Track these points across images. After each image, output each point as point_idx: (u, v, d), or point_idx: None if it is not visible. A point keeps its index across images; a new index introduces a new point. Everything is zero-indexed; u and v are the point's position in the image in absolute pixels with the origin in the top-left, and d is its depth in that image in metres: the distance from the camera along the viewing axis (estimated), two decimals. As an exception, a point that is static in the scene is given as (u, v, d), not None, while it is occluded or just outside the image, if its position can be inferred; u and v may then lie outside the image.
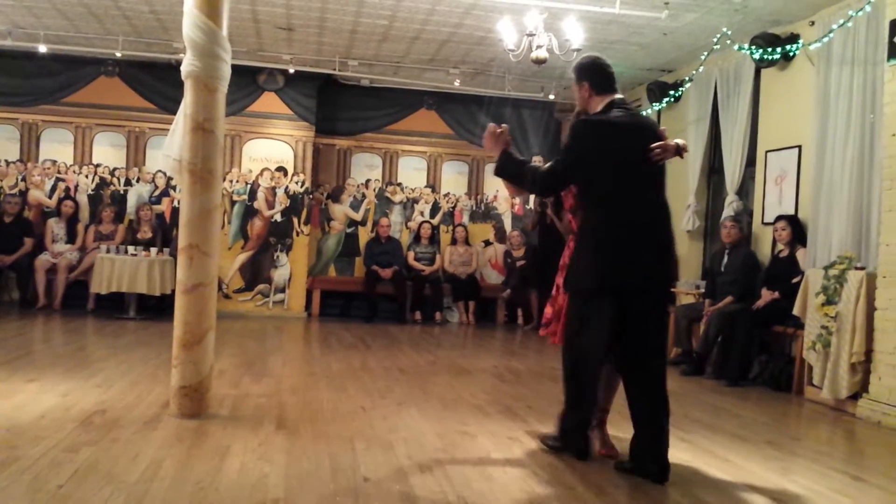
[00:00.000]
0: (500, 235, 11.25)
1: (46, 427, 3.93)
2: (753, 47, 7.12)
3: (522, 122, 11.20)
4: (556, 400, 5.28)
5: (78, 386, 4.99)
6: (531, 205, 10.94)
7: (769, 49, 7.03)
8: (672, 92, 8.81)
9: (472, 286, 10.57)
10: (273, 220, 10.48)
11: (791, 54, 7.00)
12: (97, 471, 3.28)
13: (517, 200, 11.34)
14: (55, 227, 9.75)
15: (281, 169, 10.51)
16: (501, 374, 6.43)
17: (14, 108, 10.09)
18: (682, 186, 8.74)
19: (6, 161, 10.12)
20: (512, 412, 4.90)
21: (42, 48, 9.05)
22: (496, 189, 11.39)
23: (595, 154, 3.70)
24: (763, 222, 7.43)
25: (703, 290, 7.61)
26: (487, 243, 11.24)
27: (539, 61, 6.91)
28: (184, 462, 3.50)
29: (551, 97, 10.33)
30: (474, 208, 11.37)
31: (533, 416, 4.81)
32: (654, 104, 9.09)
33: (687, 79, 8.41)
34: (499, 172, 4.02)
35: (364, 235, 10.96)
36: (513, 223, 11.27)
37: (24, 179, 10.08)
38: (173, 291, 4.73)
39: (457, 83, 10.05)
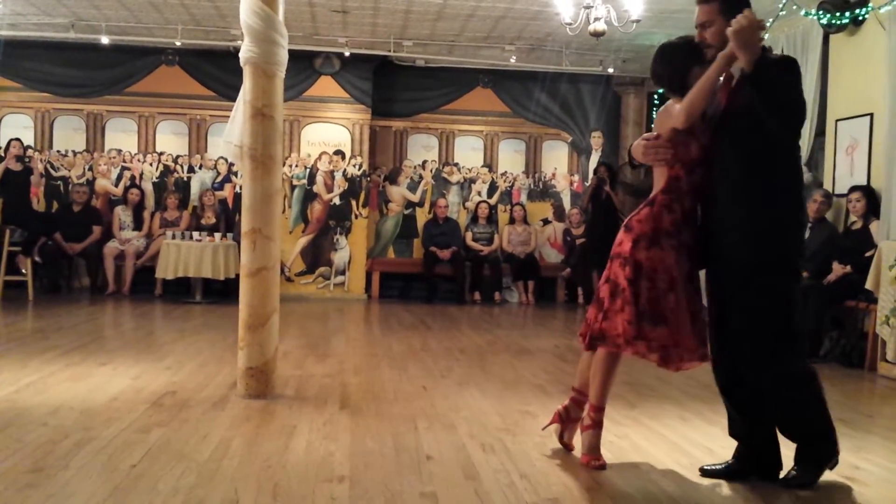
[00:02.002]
0: (559, 213, 11.14)
1: (119, 409, 4.06)
2: (821, 12, 6.86)
3: (580, 98, 11.04)
4: (619, 380, 5.23)
5: (148, 368, 5.14)
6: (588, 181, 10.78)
7: (837, 14, 6.76)
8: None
9: (531, 265, 10.51)
10: (332, 203, 10.58)
11: (860, 18, 6.73)
12: (168, 450, 3.38)
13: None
14: (122, 214, 10.02)
15: (339, 152, 10.59)
16: (562, 354, 6.38)
17: (79, 100, 10.38)
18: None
19: (73, 151, 10.43)
20: (574, 391, 4.85)
21: (104, 39, 9.28)
22: (554, 167, 11.27)
23: None
24: (834, 194, 7.18)
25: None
26: (546, 222, 11.14)
27: (597, 34, 6.79)
28: (252, 441, 3.57)
29: (610, 71, 10.14)
30: (532, 187, 11.28)
31: (630, 392, 4.75)
32: (716, 75, 8.84)
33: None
34: (758, 76, 3.00)
35: (422, 217, 10.98)
36: (571, 201, 11.14)
37: (90, 169, 10.38)
38: (237, 275, 4.82)
39: (513, 60, 9.95)
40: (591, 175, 10.68)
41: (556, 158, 11.38)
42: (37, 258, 9.22)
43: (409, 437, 3.71)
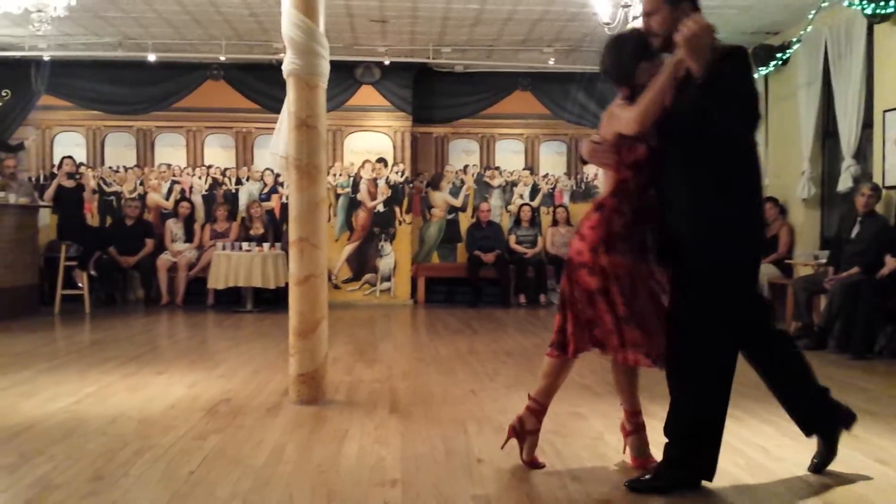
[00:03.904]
0: (603, 214, 11.05)
1: (176, 417, 4.16)
2: (865, 2, 6.71)
3: (621, 98, 10.96)
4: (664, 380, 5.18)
5: (203, 377, 5.25)
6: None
7: (882, 3, 6.61)
8: (779, 55, 8.42)
9: (576, 267, 10.45)
10: (376, 210, 10.67)
11: (907, 6, 6.57)
12: (225, 456, 3.46)
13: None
14: (173, 227, 10.25)
15: (381, 160, 10.69)
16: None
17: (129, 117, 10.65)
18: (795, 153, 8.37)
19: (125, 167, 10.70)
20: (623, 392, 4.82)
21: (151, 57, 9.50)
22: (596, 168, 11.20)
23: None
24: (884, 186, 7.02)
25: (822, 261, 7.27)
26: (590, 222, 11.05)
27: (636, 33, 6.74)
28: (305, 446, 3.63)
29: (650, 69, 10.05)
30: (574, 188, 11.23)
31: (645, 396, 4.70)
32: (760, 69, 8.71)
33: (794, 40, 8.03)
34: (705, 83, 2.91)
35: (465, 221, 11.02)
36: (615, 201, 11.04)
37: (142, 184, 10.64)
38: (286, 284, 4.91)
39: (551, 62, 9.93)
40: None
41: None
42: (92, 272, 9.48)
43: (459, 441, 3.73)
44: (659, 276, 3.18)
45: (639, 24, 6.69)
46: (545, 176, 11.21)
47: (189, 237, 10.27)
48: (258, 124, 10.57)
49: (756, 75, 8.69)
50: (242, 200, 10.66)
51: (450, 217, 11.07)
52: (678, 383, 3.08)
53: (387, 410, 4.35)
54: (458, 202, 11.07)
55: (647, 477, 3.08)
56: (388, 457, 3.47)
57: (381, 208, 10.68)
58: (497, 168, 11.13)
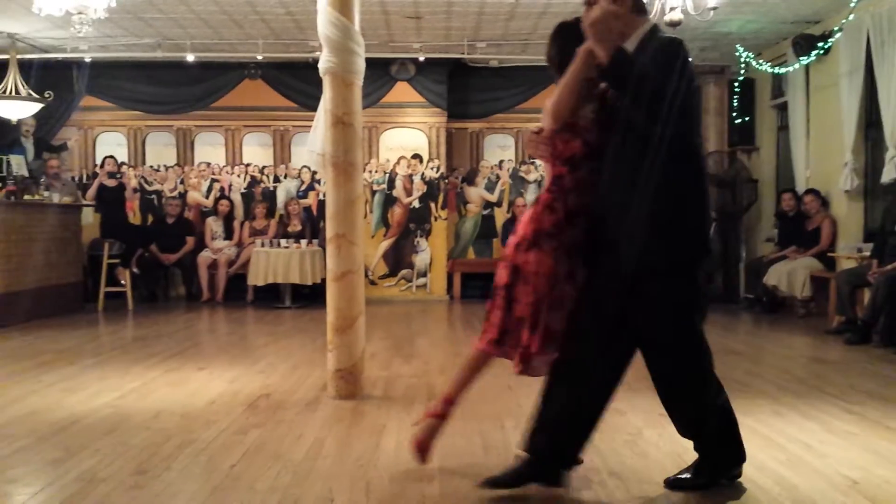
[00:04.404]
0: (641, 208, 10.95)
1: (217, 411, 4.23)
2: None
3: (658, 90, 10.84)
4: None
5: (243, 372, 5.33)
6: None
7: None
8: (820, 44, 8.25)
9: (613, 261, 10.37)
10: (412, 206, 10.70)
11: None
12: (265, 450, 3.50)
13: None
14: (213, 225, 10.39)
15: (416, 156, 10.71)
16: (649, 350, 6.27)
17: (169, 116, 10.81)
18: (837, 143, 8.20)
19: (165, 166, 10.87)
20: (662, 387, 4.77)
21: (190, 57, 9.63)
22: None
23: (697, 88, 2.92)
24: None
25: (865, 254, 7.12)
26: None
27: (673, 24, 6.66)
28: (344, 441, 3.67)
29: (688, 61, 9.93)
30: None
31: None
32: (801, 58, 8.55)
33: (836, 29, 7.85)
34: (613, 71, 2.74)
35: (500, 216, 10.99)
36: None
37: (182, 182, 10.80)
38: (324, 280, 4.95)
39: (587, 55, 9.84)
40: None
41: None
42: (135, 269, 9.66)
43: (496, 436, 3.73)
44: (580, 279, 2.96)
45: (676, 15, 6.62)
46: (581, 170, 11.12)
47: (228, 234, 10.40)
48: (295, 122, 10.65)
49: (797, 65, 8.53)
50: (280, 198, 10.76)
51: (485, 212, 11.05)
52: (694, 381, 2.96)
53: (424, 405, 4.36)
54: (493, 197, 11.05)
55: (686, 475, 3.04)
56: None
57: (416, 204, 10.71)
58: (533, 162, 11.08)
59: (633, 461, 3.35)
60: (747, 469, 3.21)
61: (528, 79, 10.92)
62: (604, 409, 2.96)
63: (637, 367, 5.47)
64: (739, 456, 3.03)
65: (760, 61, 9.41)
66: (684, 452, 3.43)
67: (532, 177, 11.08)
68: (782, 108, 9.62)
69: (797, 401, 4.37)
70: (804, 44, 8.52)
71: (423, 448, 3.17)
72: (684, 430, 3.03)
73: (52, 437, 3.74)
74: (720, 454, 3.01)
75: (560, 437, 2.95)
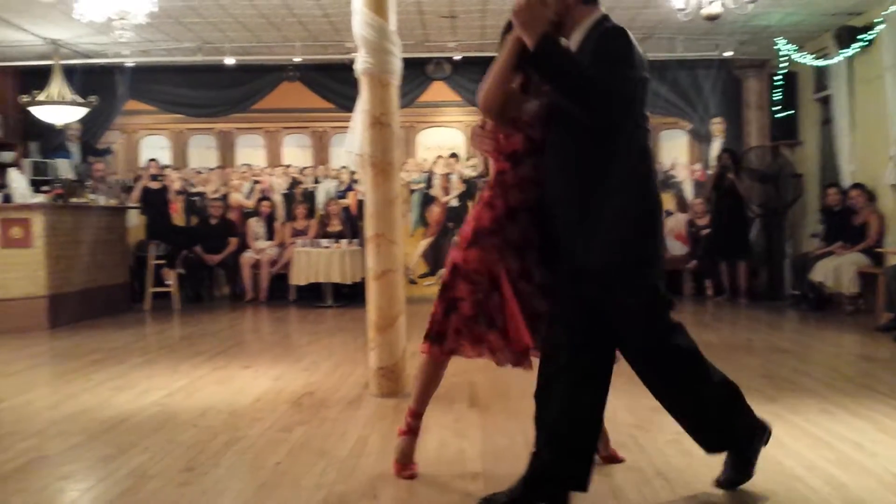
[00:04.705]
0: (681, 204, 10.83)
1: (262, 409, 4.29)
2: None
3: (698, 84, 10.71)
4: (756, 373, 5.06)
5: (287, 370, 5.39)
6: (709, 167, 10.43)
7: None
8: (862, 36, 8.08)
9: (654, 258, 10.25)
10: (449, 205, 10.71)
11: None
12: (309, 448, 3.54)
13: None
14: (255, 225, 10.52)
15: (454, 155, 10.72)
16: (692, 347, 6.19)
17: (210, 120, 10.99)
18: (882, 137, 8.02)
19: (208, 168, 11.03)
20: (706, 385, 4.71)
21: (229, 60, 9.77)
22: (674, 157, 10.98)
23: (642, 79, 2.70)
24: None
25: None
26: (668, 214, 10.83)
27: (712, 17, 6.60)
28: (387, 438, 3.69)
29: (728, 54, 9.79)
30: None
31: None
32: (842, 51, 8.39)
33: (878, 20, 7.68)
34: (540, 59, 2.62)
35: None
36: (695, 190, 10.80)
37: (224, 184, 10.95)
38: (364, 279, 4.98)
39: (625, 51, 9.76)
40: (713, 163, 10.34)
41: (676, 148, 11.08)
42: (180, 270, 9.82)
43: (538, 434, 3.72)
44: (538, 278, 2.89)
45: (715, 9, 6.54)
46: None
47: (270, 235, 10.52)
48: (333, 123, 10.75)
49: (839, 57, 8.36)
50: (320, 198, 10.85)
51: (524, 210, 11.01)
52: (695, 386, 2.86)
53: (465, 404, 4.38)
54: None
55: (728, 474, 2.99)
56: (468, 449, 3.50)
57: (454, 203, 10.71)
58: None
59: (679, 460, 3.32)
60: (796, 468, 3.17)
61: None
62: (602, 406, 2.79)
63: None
64: (755, 426, 2.89)
65: (802, 54, 9.24)
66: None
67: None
68: (826, 102, 9.44)
69: (846, 399, 4.29)
70: (846, 36, 8.35)
71: (405, 468, 3.14)
72: (694, 433, 2.91)
73: (103, 435, 3.83)
74: (735, 433, 2.88)
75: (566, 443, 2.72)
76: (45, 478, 3.21)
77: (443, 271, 2.96)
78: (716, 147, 10.62)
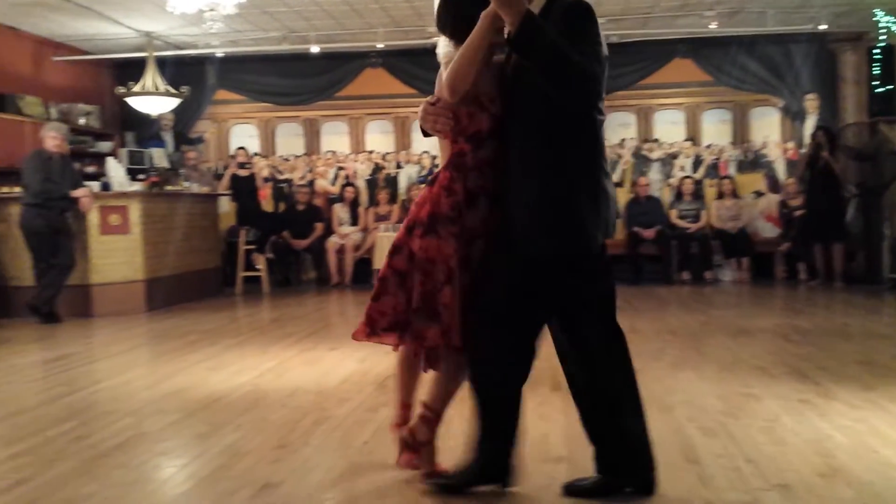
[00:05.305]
0: (773, 185, 10.46)
1: (349, 390, 4.38)
2: None
3: (790, 59, 10.29)
4: (853, 360, 4.87)
5: (372, 352, 5.45)
6: (803, 147, 10.03)
7: None
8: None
9: (743, 241, 9.97)
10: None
11: None
12: (395, 429, 3.60)
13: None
14: (340, 211, 10.69)
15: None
16: (786, 334, 6.01)
17: (296, 107, 11.21)
18: None
19: (294, 155, 11.27)
20: (801, 374, 4.57)
21: (314, 48, 9.94)
22: (765, 135, 10.61)
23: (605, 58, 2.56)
24: None
25: None
26: (759, 194, 10.49)
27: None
28: (469, 420, 3.71)
29: (822, 27, 9.37)
30: (741, 158, 10.67)
31: (827, 377, 4.45)
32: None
33: None
34: (522, 40, 2.42)
35: (622, 196, 10.75)
36: (787, 170, 10.41)
37: (310, 171, 11.18)
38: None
39: (713, 26, 9.47)
40: (807, 141, 9.94)
41: (767, 126, 10.71)
42: (269, 255, 10.10)
43: (624, 419, 3.68)
44: (474, 265, 2.75)
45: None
46: (708, 146, 10.73)
47: (354, 220, 10.69)
48: (415, 109, 10.69)
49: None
50: (402, 183, 10.95)
51: (607, 193, 10.84)
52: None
53: (548, 388, 4.36)
54: (614, 177, 10.83)
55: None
56: (551, 433, 3.49)
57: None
58: (656, 140, 10.78)
59: (770, 449, 3.23)
60: (894, 458, 3.04)
61: (650, 53, 10.63)
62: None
63: (775, 352, 5.26)
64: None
65: (904, 25, 8.76)
66: (826, 440, 3.29)
67: (655, 155, 10.78)
68: (931, 74, 8.94)
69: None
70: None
71: (411, 462, 3.00)
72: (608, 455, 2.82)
73: (199, 413, 3.98)
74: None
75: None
76: (143, 454, 3.36)
77: (394, 259, 2.85)
78: (809, 124, 10.20)
